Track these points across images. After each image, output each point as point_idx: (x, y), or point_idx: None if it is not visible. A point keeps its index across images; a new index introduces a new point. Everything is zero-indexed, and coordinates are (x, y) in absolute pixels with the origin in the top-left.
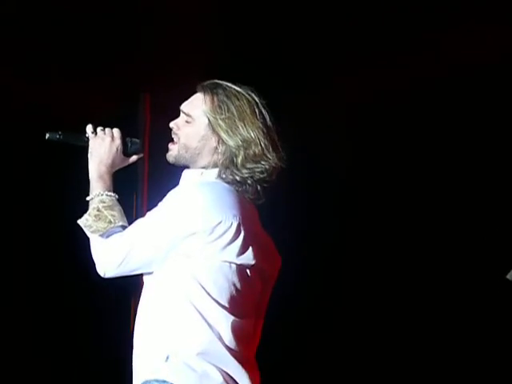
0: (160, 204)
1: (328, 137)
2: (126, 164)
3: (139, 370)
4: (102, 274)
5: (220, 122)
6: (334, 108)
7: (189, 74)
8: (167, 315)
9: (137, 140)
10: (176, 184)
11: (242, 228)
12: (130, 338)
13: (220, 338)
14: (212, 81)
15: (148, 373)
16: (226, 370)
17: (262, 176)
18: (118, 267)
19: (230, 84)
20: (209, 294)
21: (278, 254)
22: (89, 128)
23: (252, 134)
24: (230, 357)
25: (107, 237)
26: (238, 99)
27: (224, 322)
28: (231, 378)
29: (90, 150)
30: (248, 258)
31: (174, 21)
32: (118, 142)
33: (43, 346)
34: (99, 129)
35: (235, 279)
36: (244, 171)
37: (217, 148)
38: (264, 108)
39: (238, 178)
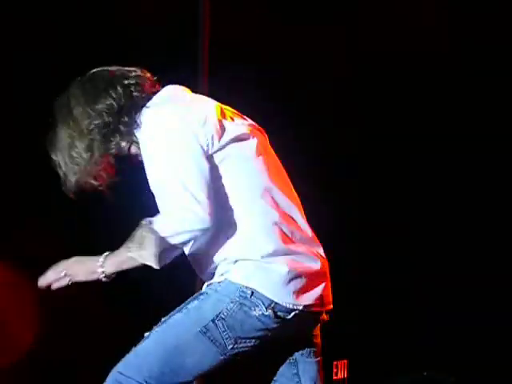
0: (149, 156)
1: None
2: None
3: (210, 276)
4: (205, 226)
5: (75, 133)
6: None
7: None
8: (227, 224)
9: None
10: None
11: (213, 116)
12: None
13: (273, 231)
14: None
15: (218, 276)
16: (289, 256)
17: (141, 97)
18: (204, 210)
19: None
20: (235, 188)
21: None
22: None
23: (99, 107)
24: (287, 245)
25: (155, 229)
26: (64, 107)
27: (265, 207)
28: (296, 262)
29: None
30: (236, 132)
31: None
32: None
33: None
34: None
35: (243, 162)
36: (130, 114)
37: (112, 136)
38: (92, 75)
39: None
